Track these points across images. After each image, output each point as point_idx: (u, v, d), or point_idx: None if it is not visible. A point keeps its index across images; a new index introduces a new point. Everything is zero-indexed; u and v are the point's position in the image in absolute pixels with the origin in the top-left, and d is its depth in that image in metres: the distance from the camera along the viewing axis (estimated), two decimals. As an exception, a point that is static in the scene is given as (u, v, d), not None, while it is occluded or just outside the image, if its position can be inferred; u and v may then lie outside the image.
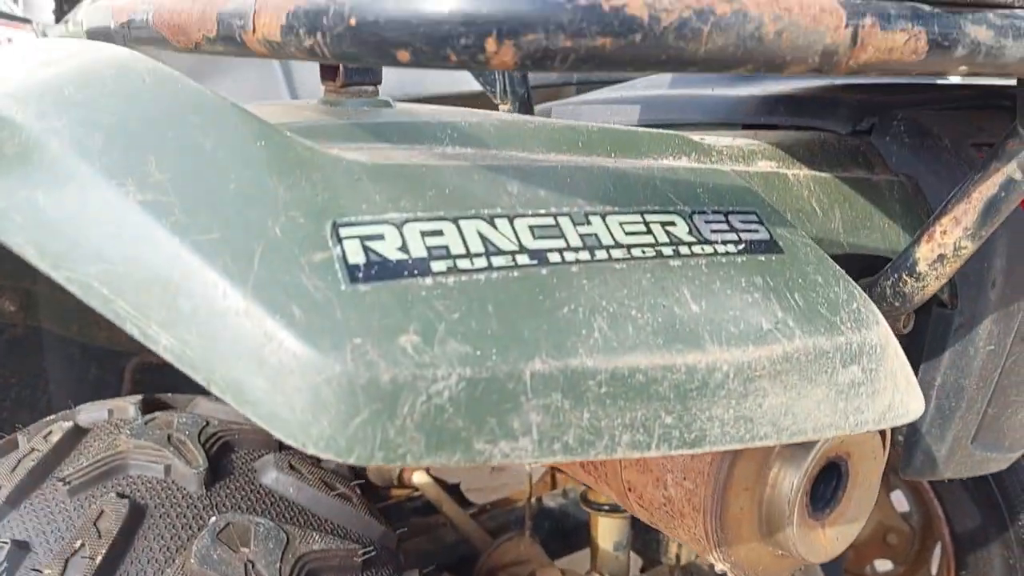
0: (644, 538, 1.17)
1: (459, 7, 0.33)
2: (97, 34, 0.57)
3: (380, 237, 0.39)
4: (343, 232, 0.39)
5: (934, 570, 1.29)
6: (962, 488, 1.18)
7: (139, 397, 0.72)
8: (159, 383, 0.80)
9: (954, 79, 0.82)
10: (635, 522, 1.01)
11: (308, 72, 1.19)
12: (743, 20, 0.36)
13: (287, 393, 0.35)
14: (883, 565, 1.36)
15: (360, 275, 0.38)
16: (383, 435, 0.36)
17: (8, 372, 0.96)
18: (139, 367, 1.01)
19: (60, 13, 2.41)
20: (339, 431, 0.35)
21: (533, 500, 1.26)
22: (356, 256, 0.38)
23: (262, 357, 0.36)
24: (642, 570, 1.19)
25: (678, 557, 1.10)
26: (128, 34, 0.52)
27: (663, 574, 1.10)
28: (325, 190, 0.40)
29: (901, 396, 0.51)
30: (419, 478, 1.17)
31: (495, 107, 0.88)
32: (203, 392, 0.53)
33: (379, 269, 0.38)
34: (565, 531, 1.26)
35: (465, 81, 1.07)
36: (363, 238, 0.39)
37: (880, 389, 0.50)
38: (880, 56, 0.40)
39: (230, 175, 0.39)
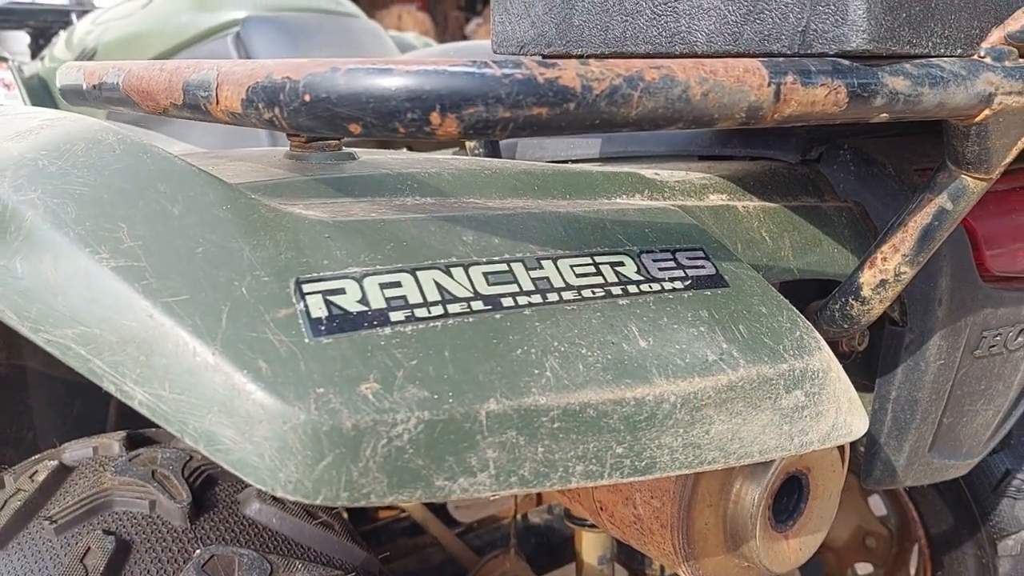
0: (628, 551, 1.19)
1: (404, 84, 0.36)
2: (69, 92, 0.59)
3: (341, 291, 0.42)
4: (306, 288, 0.41)
5: (912, 572, 1.31)
6: (934, 490, 1.20)
7: (124, 433, 0.74)
8: (144, 417, 0.82)
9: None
10: (616, 536, 1.03)
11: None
12: (671, 84, 0.39)
13: (256, 441, 0.38)
14: (864, 569, 1.39)
15: (323, 328, 0.40)
16: (347, 477, 0.38)
17: (-6, 410, 0.97)
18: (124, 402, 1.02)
19: (36, 49, 2.42)
20: (306, 475, 0.38)
21: (518, 517, 1.28)
22: (318, 311, 0.41)
23: (231, 408, 0.38)
24: (626, 582, 1.21)
25: (662, 569, 1.13)
26: (99, 95, 0.55)
27: (646, 586, 1.12)
28: (288, 249, 0.42)
29: (844, 416, 0.54)
30: (405, 499, 1.19)
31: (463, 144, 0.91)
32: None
33: (340, 322, 0.41)
34: (551, 547, 1.29)
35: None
36: (325, 293, 0.41)
37: (823, 411, 0.53)
38: (803, 109, 0.43)
39: (198, 239, 0.41)
